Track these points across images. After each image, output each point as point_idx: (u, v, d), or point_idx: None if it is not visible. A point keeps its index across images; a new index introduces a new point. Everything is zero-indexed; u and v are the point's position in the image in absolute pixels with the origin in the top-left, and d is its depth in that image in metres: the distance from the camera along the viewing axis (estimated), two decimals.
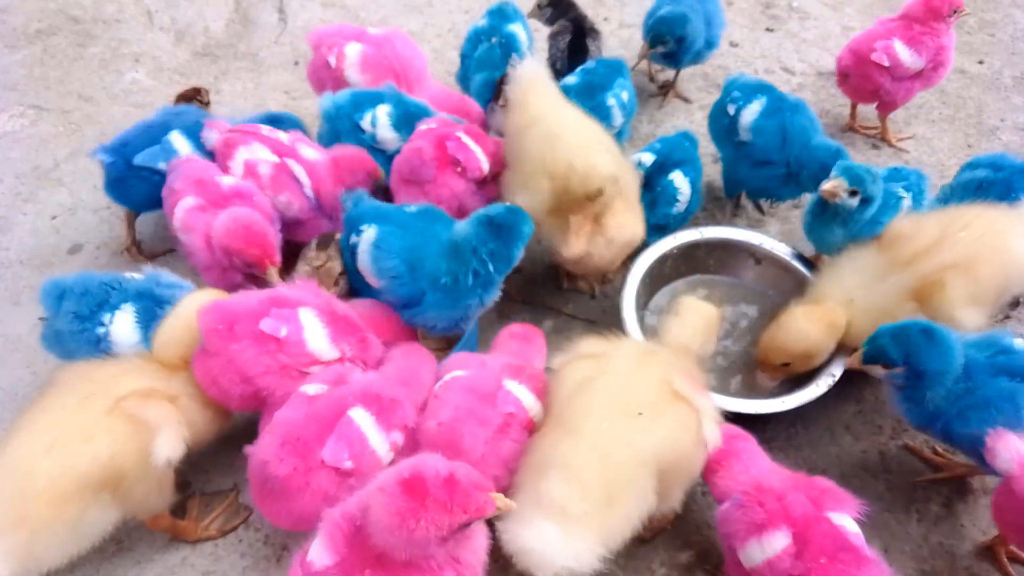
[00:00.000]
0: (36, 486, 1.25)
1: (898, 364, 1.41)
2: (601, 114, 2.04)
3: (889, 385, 1.49)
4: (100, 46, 2.96)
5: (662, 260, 1.92)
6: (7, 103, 2.71)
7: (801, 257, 1.91)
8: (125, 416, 1.33)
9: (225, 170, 1.90)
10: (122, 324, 1.54)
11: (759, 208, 2.23)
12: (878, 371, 1.46)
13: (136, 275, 1.66)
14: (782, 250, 1.91)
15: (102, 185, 2.38)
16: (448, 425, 1.34)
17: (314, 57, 2.25)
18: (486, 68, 2.25)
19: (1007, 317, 1.97)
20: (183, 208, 1.77)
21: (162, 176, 1.93)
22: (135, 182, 1.99)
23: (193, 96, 2.29)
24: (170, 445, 1.34)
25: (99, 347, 1.53)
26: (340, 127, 2.02)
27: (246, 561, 1.52)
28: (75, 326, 1.54)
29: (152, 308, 1.57)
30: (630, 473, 1.23)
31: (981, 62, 2.81)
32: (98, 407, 1.33)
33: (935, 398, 1.39)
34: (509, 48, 2.27)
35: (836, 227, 1.73)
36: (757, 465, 1.35)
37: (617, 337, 1.45)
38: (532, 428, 1.39)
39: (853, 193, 1.66)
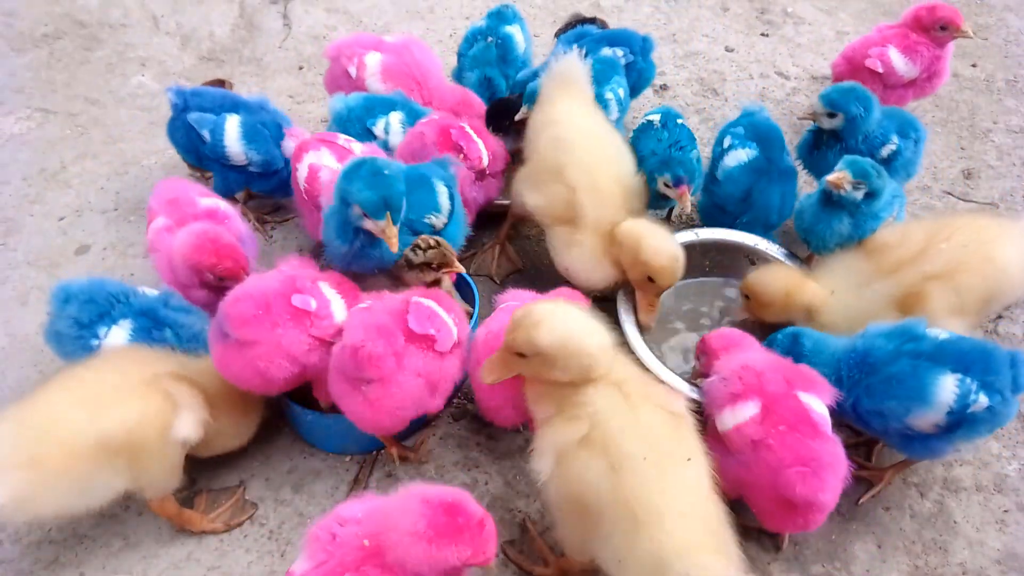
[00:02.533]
0: (58, 434, 1.29)
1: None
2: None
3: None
4: (106, 50, 3.00)
5: None
6: (14, 106, 2.74)
7: (794, 257, 1.94)
8: (160, 390, 1.39)
9: (294, 172, 1.94)
10: (116, 339, 1.55)
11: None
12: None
13: (151, 291, 1.68)
14: (776, 251, 1.94)
15: (108, 186, 2.44)
16: (497, 333, 1.41)
17: (332, 68, 2.28)
18: (480, 66, 2.30)
19: (1000, 316, 2.00)
20: (153, 229, 1.77)
21: (200, 140, 2.09)
22: (181, 127, 2.13)
23: (216, 88, 2.35)
24: (190, 425, 1.40)
25: (90, 356, 1.53)
26: (350, 130, 2.04)
27: (251, 556, 1.54)
28: (73, 331, 1.56)
29: (149, 329, 1.57)
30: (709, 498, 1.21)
31: (974, 65, 2.85)
32: (136, 376, 1.39)
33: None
34: (505, 48, 2.32)
35: (843, 217, 1.74)
36: (750, 353, 1.47)
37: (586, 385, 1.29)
38: None
39: (857, 186, 1.69)
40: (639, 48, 2.29)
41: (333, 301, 1.48)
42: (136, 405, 1.36)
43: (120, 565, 1.52)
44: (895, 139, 1.99)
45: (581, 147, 1.76)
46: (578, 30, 2.40)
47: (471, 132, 1.91)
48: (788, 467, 1.27)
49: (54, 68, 2.92)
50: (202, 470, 1.67)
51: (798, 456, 1.28)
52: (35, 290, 2.11)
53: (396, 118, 2.04)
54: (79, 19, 3.16)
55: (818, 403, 1.36)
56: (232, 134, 2.08)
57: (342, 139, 1.94)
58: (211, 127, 2.08)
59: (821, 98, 1.96)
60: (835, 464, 1.31)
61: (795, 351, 1.50)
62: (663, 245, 1.67)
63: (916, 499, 1.62)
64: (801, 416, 1.32)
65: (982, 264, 1.59)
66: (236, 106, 2.14)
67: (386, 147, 2.04)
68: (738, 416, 1.34)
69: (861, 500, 1.58)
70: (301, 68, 2.91)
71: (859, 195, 1.70)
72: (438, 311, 1.49)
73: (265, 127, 2.11)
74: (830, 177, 1.70)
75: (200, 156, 2.14)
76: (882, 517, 1.58)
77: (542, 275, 2.14)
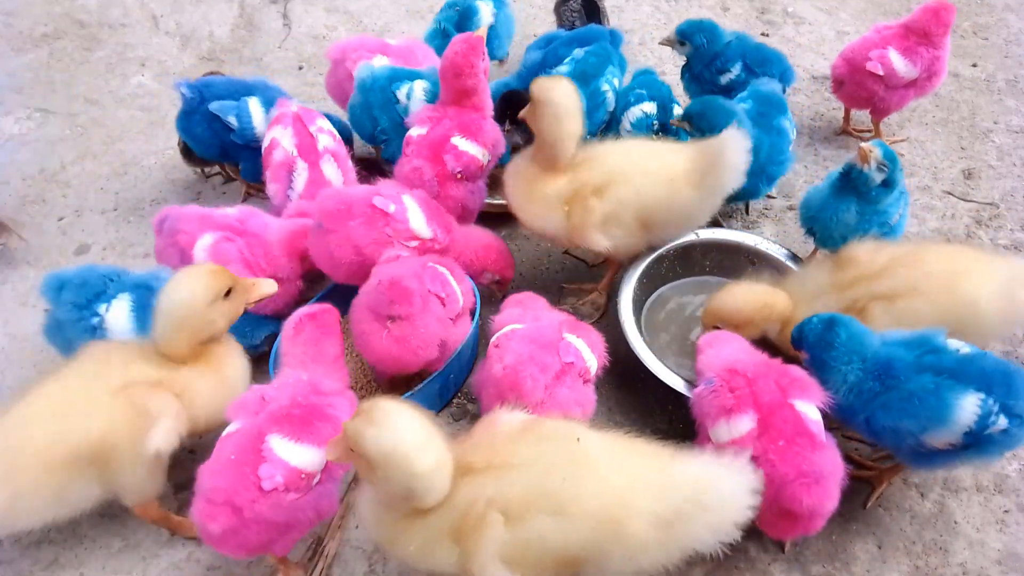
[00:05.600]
0: (29, 449, 1.30)
1: (803, 350, 1.43)
2: (596, 100, 2.14)
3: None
4: (106, 50, 3.00)
5: (659, 260, 1.95)
6: (14, 106, 2.74)
7: (795, 258, 1.93)
8: (128, 400, 1.36)
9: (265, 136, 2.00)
10: (118, 312, 1.57)
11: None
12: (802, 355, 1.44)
13: (139, 272, 1.68)
14: (777, 251, 1.94)
15: (107, 187, 2.44)
16: (512, 368, 1.43)
17: (334, 70, 2.28)
18: (438, 23, 2.43)
19: None
20: (203, 247, 1.72)
21: (225, 129, 2.10)
22: (199, 121, 2.12)
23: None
24: (163, 437, 1.35)
25: (95, 336, 1.57)
26: (372, 99, 2.07)
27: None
28: (74, 315, 1.58)
29: (148, 298, 1.59)
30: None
31: (975, 65, 2.85)
32: (105, 386, 1.36)
33: (839, 390, 1.39)
34: (464, 15, 2.40)
35: (851, 206, 1.73)
36: (734, 349, 1.45)
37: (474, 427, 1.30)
38: (588, 378, 1.52)
39: (881, 167, 1.68)
40: (609, 43, 2.33)
41: (411, 210, 1.71)
42: (103, 416, 1.33)
43: (120, 565, 1.52)
44: (736, 69, 2.21)
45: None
46: (547, 35, 2.41)
47: (466, 146, 1.86)
48: (792, 481, 1.25)
49: (54, 68, 2.92)
50: None
51: (800, 470, 1.26)
52: (34, 290, 2.10)
53: (420, 86, 2.06)
54: (79, 19, 3.16)
55: (812, 409, 1.33)
56: (258, 115, 2.10)
57: (316, 126, 1.96)
58: (236, 112, 2.09)
59: (676, 29, 2.28)
60: (835, 471, 1.30)
61: (825, 340, 1.38)
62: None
63: (916, 500, 1.61)
64: (799, 428, 1.29)
65: (938, 293, 1.52)
66: (249, 89, 2.16)
67: (406, 112, 2.06)
68: (733, 431, 1.30)
69: (868, 504, 1.58)
70: (301, 68, 2.91)
71: (879, 178, 1.69)
72: (449, 279, 1.64)
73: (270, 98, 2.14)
74: (863, 144, 1.68)
75: (224, 146, 2.13)
76: (882, 517, 1.58)
77: (542, 278, 2.13)
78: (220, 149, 2.16)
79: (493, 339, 1.53)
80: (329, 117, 2.12)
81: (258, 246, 1.77)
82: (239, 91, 2.14)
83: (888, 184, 1.71)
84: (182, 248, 1.73)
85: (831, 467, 1.29)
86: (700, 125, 1.91)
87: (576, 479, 1.15)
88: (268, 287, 1.52)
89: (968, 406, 1.30)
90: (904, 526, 1.57)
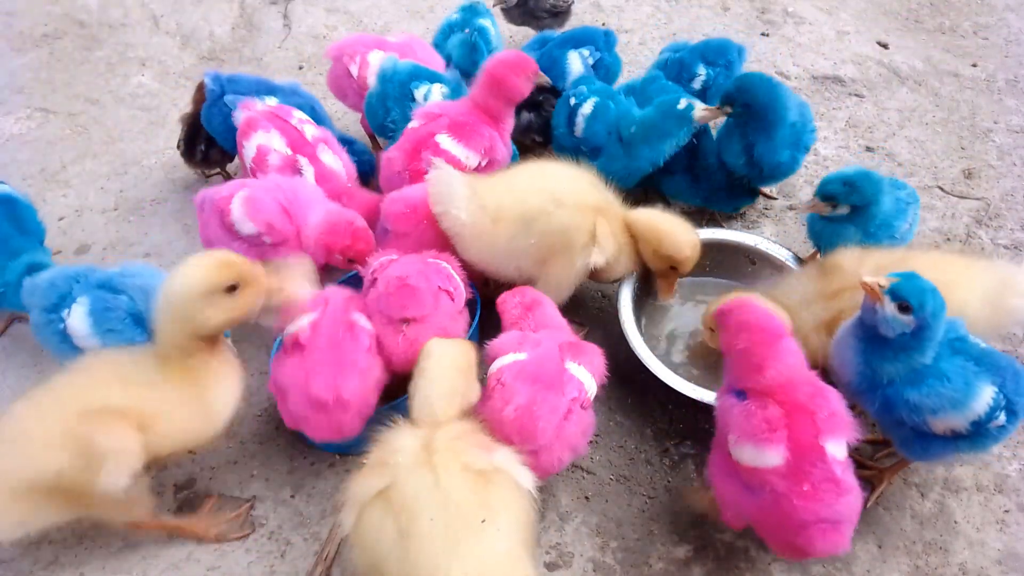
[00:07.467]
0: None
1: (913, 313, 1.30)
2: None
3: (855, 345, 1.40)
4: (106, 50, 3.00)
5: None
6: (14, 106, 2.75)
7: (796, 258, 1.93)
8: (85, 435, 1.27)
9: (240, 150, 1.98)
10: (76, 317, 1.54)
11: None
12: (895, 313, 1.31)
13: (113, 268, 1.65)
14: (777, 251, 1.94)
15: (108, 186, 2.44)
16: (526, 409, 1.36)
17: (333, 68, 2.30)
18: (463, 47, 2.39)
19: None
20: (240, 198, 1.75)
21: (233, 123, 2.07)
22: (217, 113, 2.14)
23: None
24: (116, 475, 1.26)
25: (65, 341, 1.55)
26: (389, 90, 2.08)
27: (251, 556, 1.54)
28: (43, 319, 1.56)
29: (104, 298, 1.55)
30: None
31: (975, 65, 2.85)
32: (64, 415, 1.29)
33: (907, 362, 1.35)
34: (481, 38, 2.38)
35: (848, 227, 1.75)
36: (781, 363, 1.29)
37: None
38: (587, 406, 1.46)
39: (833, 206, 1.73)
40: (603, 44, 2.34)
41: None
42: (57, 454, 1.26)
43: (120, 565, 1.52)
44: (702, 69, 2.24)
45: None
46: (540, 36, 2.42)
47: (445, 143, 1.84)
48: (811, 525, 1.22)
49: (54, 68, 2.92)
50: (203, 468, 1.67)
51: (820, 516, 1.22)
52: None
53: (439, 90, 2.05)
54: (79, 19, 3.16)
55: (841, 449, 1.26)
56: None
57: (295, 119, 1.96)
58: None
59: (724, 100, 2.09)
60: (854, 514, 1.25)
61: (941, 306, 1.30)
62: (684, 237, 1.72)
63: (917, 499, 1.62)
64: (826, 473, 1.22)
65: None
66: (271, 90, 2.15)
67: None
68: (759, 460, 1.24)
69: (868, 504, 1.57)
70: (301, 68, 2.91)
71: (845, 210, 1.74)
72: (451, 272, 1.64)
73: (301, 109, 2.11)
74: (803, 205, 1.77)
75: (235, 141, 2.13)
76: (882, 517, 1.58)
77: None
78: (234, 143, 2.14)
79: (493, 368, 1.45)
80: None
81: (296, 202, 1.78)
82: (262, 90, 2.14)
83: (858, 207, 1.72)
84: (220, 209, 1.76)
85: (851, 511, 1.24)
86: (744, 100, 1.91)
87: (441, 532, 1.10)
88: (298, 290, 1.39)
89: (985, 395, 1.33)
90: (904, 526, 1.57)
